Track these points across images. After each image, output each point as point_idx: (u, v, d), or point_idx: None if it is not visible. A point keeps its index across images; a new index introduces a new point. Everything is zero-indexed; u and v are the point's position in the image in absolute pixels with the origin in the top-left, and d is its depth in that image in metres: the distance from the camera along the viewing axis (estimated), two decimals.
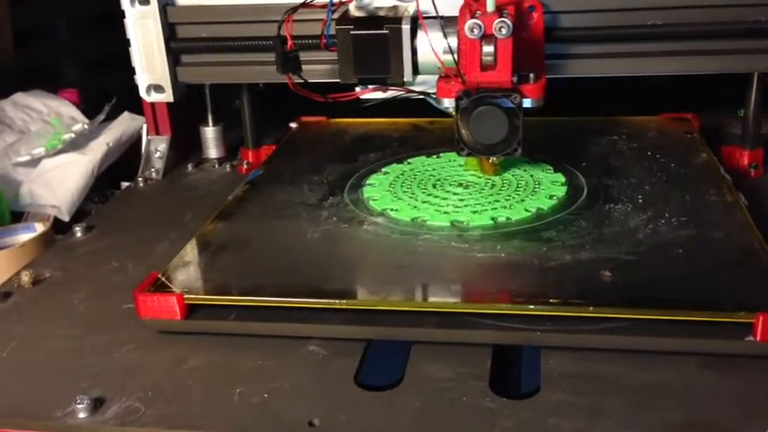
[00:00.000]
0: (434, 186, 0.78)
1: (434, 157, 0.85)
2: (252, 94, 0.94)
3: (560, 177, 0.78)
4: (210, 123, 0.99)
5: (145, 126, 0.98)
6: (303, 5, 0.77)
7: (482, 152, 0.71)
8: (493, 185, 0.77)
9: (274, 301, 0.60)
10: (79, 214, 0.96)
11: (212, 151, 0.99)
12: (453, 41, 0.72)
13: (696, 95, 0.98)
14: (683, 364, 0.54)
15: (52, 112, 1.10)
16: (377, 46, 0.74)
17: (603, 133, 0.90)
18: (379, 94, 0.78)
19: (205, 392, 0.54)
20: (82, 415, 0.51)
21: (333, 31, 0.75)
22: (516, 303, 0.57)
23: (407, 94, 0.78)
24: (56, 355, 0.59)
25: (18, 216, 0.96)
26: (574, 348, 0.55)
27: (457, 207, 0.73)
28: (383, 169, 0.84)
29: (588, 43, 0.81)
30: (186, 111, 0.99)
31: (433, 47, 0.73)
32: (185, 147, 0.99)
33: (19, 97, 1.11)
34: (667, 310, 0.56)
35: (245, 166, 0.95)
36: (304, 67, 0.79)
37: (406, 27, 0.73)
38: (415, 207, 0.74)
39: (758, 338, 0.53)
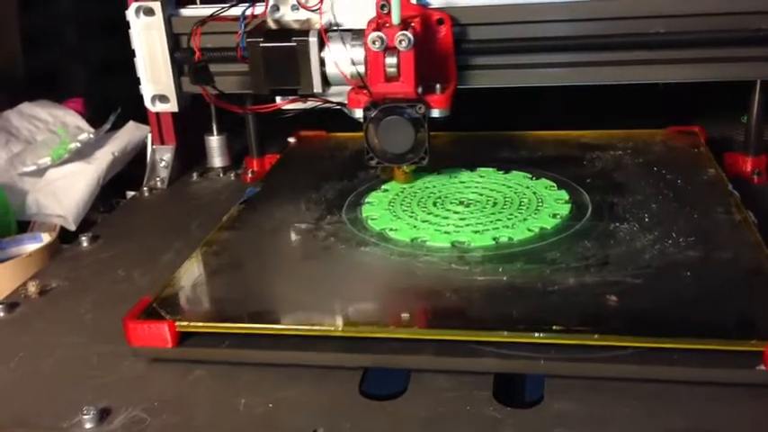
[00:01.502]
0: (435, 205, 0.77)
1: (435, 173, 0.83)
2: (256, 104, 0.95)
3: (564, 194, 0.77)
4: (215, 132, 0.99)
5: (150, 135, 0.98)
6: (212, 18, 0.79)
7: (391, 161, 0.73)
8: (495, 203, 0.76)
9: (268, 329, 0.59)
10: (85, 224, 0.96)
11: (217, 160, 1.00)
12: (361, 53, 0.74)
13: (699, 102, 0.98)
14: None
15: (58, 121, 1.10)
16: (286, 58, 0.76)
17: (608, 148, 0.88)
18: (300, 105, 0.80)
19: (210, 403, 0.54)
20: (88, 425, 0.52)
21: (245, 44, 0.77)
22: (519, 331, 0.56)
23: (325, 105, 0.79)
24: (62, 365, 0.60)
25: (24, 226, 0.97)
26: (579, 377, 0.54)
27: (458, 226, 0.72)
28: (383, 186, 0.82)
29: (589, 51, 0.81)
30: (191, 120, 0.99)
31: (335, 59, 0.75)
32: (190, 156, 1.00)
33: (25, 107, 1.12)
34: (675, 338, 0.54)
35: (249, 175, 0.96)
36: (223, 78, 0.81)
37: (313, 39, 0.75)
38: (415, 227, 0.72)
39: None
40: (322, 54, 0.76)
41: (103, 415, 0.53)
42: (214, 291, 0.66)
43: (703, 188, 0.77)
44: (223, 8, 0.79)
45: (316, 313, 0.61)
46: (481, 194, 0.78)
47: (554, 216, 0.73)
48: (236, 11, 0.79)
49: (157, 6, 0.86)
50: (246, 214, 0.79)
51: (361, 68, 0.74)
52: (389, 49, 0.69)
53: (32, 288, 0.70)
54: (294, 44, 0.75)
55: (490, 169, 0.84)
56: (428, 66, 0.73)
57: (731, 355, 0.53)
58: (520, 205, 0.75)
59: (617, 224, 0.70)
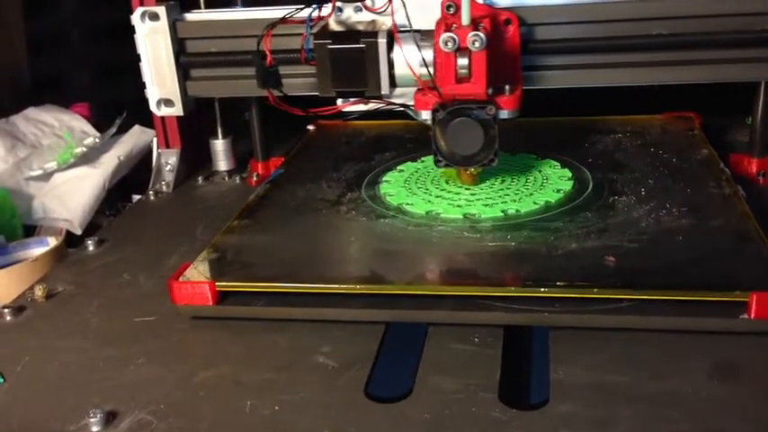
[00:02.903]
0: (447, 182, 0.81)
1: None
2: (261, 107, 0.95)
3: (567, 173, 0.82)
4: (220, 136, 0.99)
5: (155, 139, 0.99)
6: (282, 21, 0.79)
7: (459, 163, 0.73)
8: (503, 181, 0.80)
9: (299, 287, 0.64)
10: (91, 228, 0.96)
11: (222, 164, 1.00)
12: (430, 54, 0.73)
13: (705, 103, 0.98)
14: (692, 373, 0.54)
15: (64, 126, 1.10)
16: (354, 59, 0.75)
17: (609, 132, 0.94)
18: (361, 107, 0.80)
19: (216, 405, 0.55)
20: (95, 429, 0.52)
21: (312, 46, 0.76)
22: (526, 287, 0.61)
23: (388, 107, 0.79)
24: (69, 368, 0.60)
25: (31, 230, 0.97)
26: (580, 328, 0.58)
27: (469, 201, 0.77)
28: (398, 167, 0.87)
29: (595, 53, 0.82)
30: (196, 124, 1.00)
31: (407, 60, 0.75)
32: (195, 160, 1.00)
33: (31, 112, 1.12)
34: (666, 290, 0.59)
35: (254, 179, 0.96)
36: (285, 80, 0.81)
37: (382, 41, 0.75)
38: (429, 201, 0.77)
39: (752, 316, 0.56)
40: (391, 55, 0.76)
41: (110, 418, 0.53)
42: (248, 256, 0.70)
43: (697, 166, 0.82)
44: (297, 9, 0.79)
45: (342, 274, 0.68)
46: (489, 173, 0.81)
47: (558, 191, 0.78)
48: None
49: (162, 11, 0.86)
50: (273, 192, 0.84)
51: (432, 69, 0.73)
52: (461, 50, 0.69)
53: (39, 292, 0.70)
54: (363, 45, 0.75)
55: None
56: (496, 66, 0.73)
57: (719, 307, 0.58)
58: (526, 182, 0.80)
59: (616, 197, 0.76)
